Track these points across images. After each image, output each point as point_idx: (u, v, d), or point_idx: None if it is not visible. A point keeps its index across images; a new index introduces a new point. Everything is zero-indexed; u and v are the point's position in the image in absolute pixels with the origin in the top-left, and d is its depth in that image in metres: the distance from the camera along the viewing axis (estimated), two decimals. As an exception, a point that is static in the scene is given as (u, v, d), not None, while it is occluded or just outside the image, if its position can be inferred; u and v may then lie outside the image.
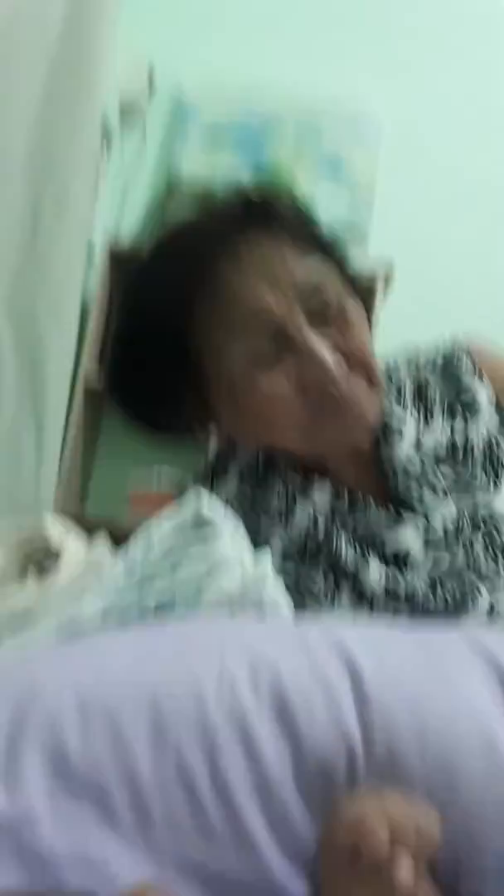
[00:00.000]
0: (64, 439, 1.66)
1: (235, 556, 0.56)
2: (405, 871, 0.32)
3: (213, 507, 0.59)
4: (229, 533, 0.58)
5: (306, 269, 0.68)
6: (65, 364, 1.58)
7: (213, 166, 2.32)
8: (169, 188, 2.30)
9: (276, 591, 0.57)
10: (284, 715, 0.39)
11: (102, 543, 0.64)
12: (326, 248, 0.73)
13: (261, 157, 2.34)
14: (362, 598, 0.71)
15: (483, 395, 0.79)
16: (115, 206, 2.31)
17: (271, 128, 2.35)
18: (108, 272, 2.09)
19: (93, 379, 2.02)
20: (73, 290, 1.59)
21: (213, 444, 0.86)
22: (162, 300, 0.70)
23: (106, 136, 2.18)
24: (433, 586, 0.70)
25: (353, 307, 0.72)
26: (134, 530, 0.62)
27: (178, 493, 0.75)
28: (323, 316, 0.68)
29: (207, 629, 0.49)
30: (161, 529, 0.59)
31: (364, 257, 2.14)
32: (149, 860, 0.35)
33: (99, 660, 0.45)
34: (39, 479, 1.50)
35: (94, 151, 1.66)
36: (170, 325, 0.69)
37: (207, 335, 0.68)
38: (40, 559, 0.60)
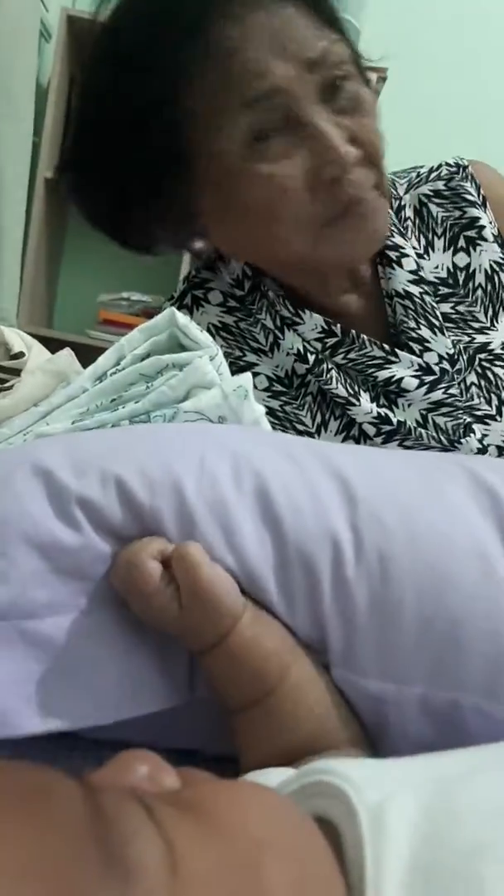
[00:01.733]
0: (25, 243, 1.53)
1: (215, 381, 0.51)
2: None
3: (189, 327, 0.53)
4: (209, 357, 0.53)
5: (321, 41, 0.58)
6: (22, 158, 1.42)
7: None
8: None
9: (257, 410, 0.53)
10: (267, 509, 0.38)
11: (68, 354, 0.58)
12: (342, 26, 0.62)
13: None
14: (350, 433, 0.69)
15: (487, 226, 0.73)
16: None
17: None
18: (67, 47, 1.83)
19: (54, 179, 1.85)
20: (23, 71, 1.38)
21: (186, 268, 0.77)
22: (138, 67, 0.58)
23: None
24: (424, 422, 0.68)
25: (369, 96, 0.62)
26: (102, 352, 0.56)
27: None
28: (338, 98, 0.59)
29: (184, 428, 0.47)
30: (133, 345, 0.54)
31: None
32: None
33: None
34: (1, 290, 1.40)
35: None
36: (152, 98, 0.58)
37: (201, 110, 0.58)
38: None
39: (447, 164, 0.76)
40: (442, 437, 0.68)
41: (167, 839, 0.19)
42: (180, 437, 0.44)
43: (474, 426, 0.68)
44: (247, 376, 0.53)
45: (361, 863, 0.21)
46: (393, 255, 0.71)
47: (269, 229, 0.62)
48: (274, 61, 0.56)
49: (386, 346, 0.69)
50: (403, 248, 0.71)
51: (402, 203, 0.75)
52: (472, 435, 0.68)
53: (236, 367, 0.65)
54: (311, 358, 0.69)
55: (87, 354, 0.64)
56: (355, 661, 0.37)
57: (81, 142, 0.65)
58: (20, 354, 0.55)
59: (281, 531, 0.38)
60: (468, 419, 0.69)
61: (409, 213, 0.75)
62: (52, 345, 0.70)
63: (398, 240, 0.71)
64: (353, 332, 0.69)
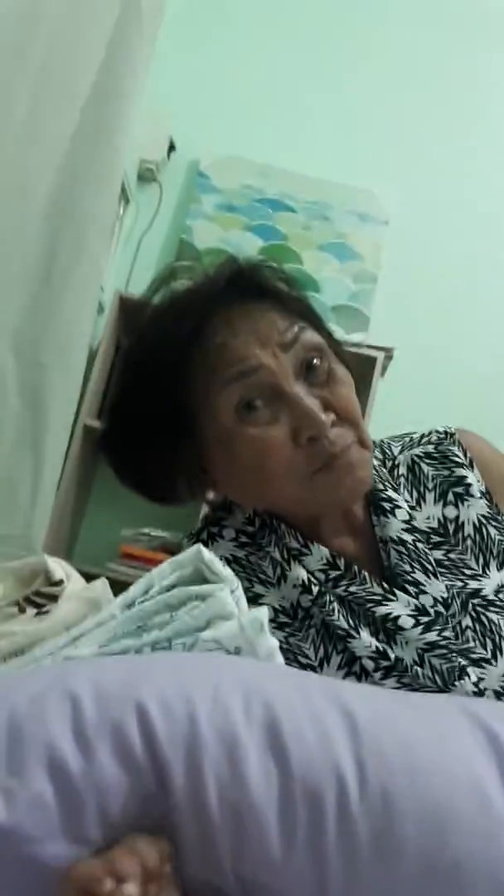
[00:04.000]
0: (59, 484, 1.66)
1: (234, 612, 0.56)
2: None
3: (213, 562, 0.59)
4: (229, 590, 0.58)
5: (294, 330, 0.72)
6: (68, 408, 1.59)
7: (222, 234, 2.42)
8: (179, 250, 2.39)
9: (271, 643, 0.57)
10: (275, 741, 0.40)
11: (103, 583, 0.64)
12: (314, 318, 0.77)
13: (268, 232, 2.44)
14: (351, 669, 0.71)
15: (474, 484, 0.81)
16: (128, 261, 2.40)
17: (281, 205, 2.46)
18: (117, 321, 2.15)
19: (92, 427, 2.06)
20: (81, 333, 1.61)
21: (204, 509, 0.86)
22: (158, 359, 0.73)
23: (125, 194, 2.28)
24: (421, 662, 0.71)
25: (341, 369, 0.75)
26: (121, 584, 0.61)
27: (171, 553, 0.76)
28: (312, 374, 0.72)
29: (203, 658, 0.50)
30: (162, 576, 0.60)
31: (365, 340, 2.23)
32: None
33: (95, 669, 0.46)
34: (32, 520, 1.49)
35: (112, 205, 1.73)
36: (164, 384, 0.72)
37: (201, 392, 0.71)
38: (38, 594, 0.60)
39: (437, 431, 0.86)
40: (437, 679, 0.70)
41: None
42: (198, 666, 0.47)
43: (469, 669, 0.70)
44: (263, 610, 0.57)
45: None
46: (387, 506, 0.78)
47: (263, 481, 0.71)
48: (256, 347, 0.70)
49: (385, 585, 0.74)
50: (396, 500, 0.78)
51: (397, 462, 0.83)
52: (466, 678, 0.69)
53: (245, 598, 0.70)
54: (315, 589, 0.73)
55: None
56: None
57: (114, 418, 0.80)
58: (60, 582, 0.61)
59: (287, 764, 0.39)
60: (463, 662, 0.70)
61: (402, 470, 0.83)
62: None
63: (391, 493, 0.79)
64: (356, 567, 0.74)
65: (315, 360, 0.72)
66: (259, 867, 0.37)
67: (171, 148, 2.47)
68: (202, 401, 0.71)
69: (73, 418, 1.68)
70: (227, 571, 0.59)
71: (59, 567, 0.63)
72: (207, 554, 0.59)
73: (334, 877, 0.37)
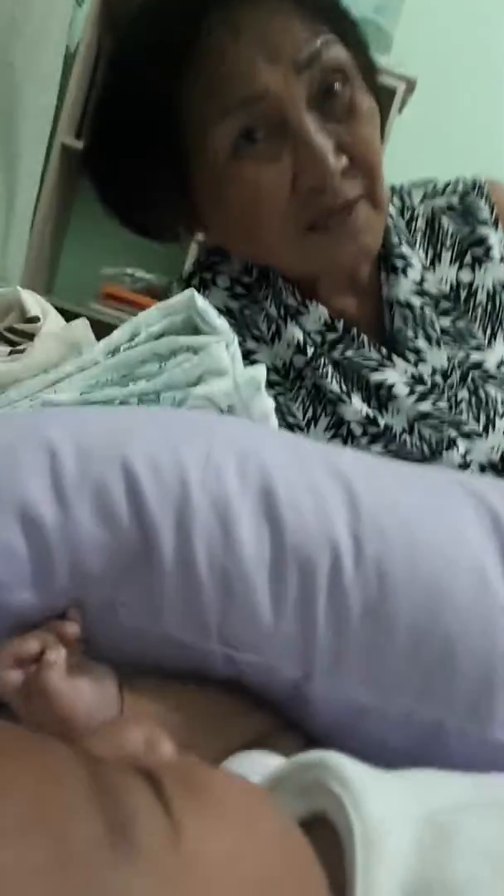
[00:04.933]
0: (34, 210, 1.51)
1: (228, 369, 0.51)
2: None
3: (208, 312, 0.52)
4: (225, 344, 0.52)
5: (315, 45, 0.58)
6: (42, 123, 1.39)
7: None
8: None
9: (267, 404, 0.53)
10: (269, 506, 0.38)
11: (83, 324, 0.57)
12: (344, 26, 0.62)
13: None
14: (338, 431, 0.69)
15: (496, 245, 0.74)
16: None
17: None
18: (100, 15, 1.81)
19: (71, 146, 1.83)
20: (55, 36, 1.35)
21: (194, 253, 0.77)
22: (148, 63, 0.60)
23: None
24: (411, 430, 0.69)
25: (367, 102, 0.62)
26: (104, 327, 0.56)
27: (157, 298, 0.69)
28: (329, 105, 0.59)
29: (195, 417, 0.46)
30: (149, 322, 0.53)
31: (385, 66, 1.92)
32: None
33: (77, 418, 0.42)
34: (7, 249, 1.38)
35: None
36: (154, 92, 0.60)
37: (194, 109, 0.59)
38: (12, 330, 0.54)
39: (464, 181, 0.76)
40: (424, 448, 0.69)
41: (175, 820, 0.19)
42: (190, 425, 0.44)
43: (459, 441, 0.69)
44: (261, 369, 0.53)
45: (353, 882, 0.21)
46: (399, 263, 0.71)
47: (252, 232, 0.63)
48: (263, 64, 0.57)
49: (383, 350, 0.70)
50: (409, 258, 0.71)
51: (415, 213, 0.75)
52: (454, 449, 0.68)
53: (241, 355, 0.65)
54: (310, 351, 0.69)
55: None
56: (342, 669, 0.37)
57: (99, 129, 0.68)
58: (35, 319, 0.55)
59: (280, 530, 0.38)
60: (453, 434, 0.69)
61: (420, 223, 0.75)
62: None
63: (405, 249, 0.72)
64: (355, 329, 0.70)
65: (336, 86, 0.59)
66: (246, 632, 0.37)
67: None
68: (197, 126, 0.60)
69: (49, 134, 1.48)
70: (222, 324, 0.53)
71: (34, 302, 0.56)
72: (201, 301, 0.53)
73: (322, 646, 0.37)
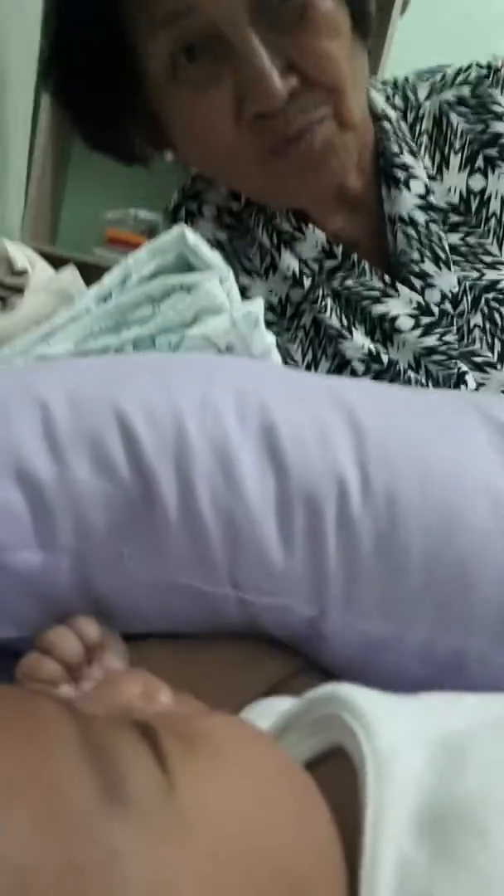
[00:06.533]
0: (31, 153, 1.46)
1: (225, 305, 0.49)
2: None
3: (199, 247, 0.50)
4: (219, 279, 0.50)
5: None
6: (28, 58, 1.33)
7: None
8: None
9: (267, 340, 0.51)
10: (271, 443, 0.37)
11: (72, 272, 0.55)
12: None
13: None
14: (341, 374, 0.65)
15: None
16: None
17: None
18: None
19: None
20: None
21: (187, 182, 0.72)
22: None
23: None
24: (417, 366, 0.64)
25: (327, 5, 0.53)
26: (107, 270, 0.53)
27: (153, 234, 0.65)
28: (278, 13, 0.51)
29: (190, 359, 0.45)
30: (140, 264, 0.51)
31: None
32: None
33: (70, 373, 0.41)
34: (6, 202, 1.34)
35: None
36: (95, 4, 0.54)
37: (129, 22, 0.53)
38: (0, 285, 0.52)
39: (478, 66, 0.67)
40: (431, 385, 0.64)
41: (170, 774, 0.19)
42: (185, 367, 0.42)
43: (470, 375, 0.64)
44: (258, 303, 0.50)
45: (364, 805, 0.21)
46: (400, 175, 0.64)
47: (208, 159, 0.57)
48: None
49: (386, 278, 0.64)
50: (413, 168, 0.64)
51: (421, 112, 0.67)
52: (464, 385, 0.63)
53: (237, 289, 0.61)
54: (307, 282, 0.64)
55: (91, 273, 0.61)
56: (356, 602, 0.36)
57: (54, 48, 0.61)
58: (23, 272, 0.53)
59: (284, 467, 0.37)
60: (464, 367, 0.64)
61: (426, 125, 0.67)
62: (55, 262, 0.67)
63: (408, 158, 0.65)
64: (355, 255, 0.64)
65: None
66: (257, 573, 0.36)
67: None
68: (135, 44, 0.54)
69: (36, 76, 1.42)
70: (215, 258, 0.51)
71: (20, 254, 0.54)
72: (192, 236, 0.51)
73: (334, 581, 0.36)
